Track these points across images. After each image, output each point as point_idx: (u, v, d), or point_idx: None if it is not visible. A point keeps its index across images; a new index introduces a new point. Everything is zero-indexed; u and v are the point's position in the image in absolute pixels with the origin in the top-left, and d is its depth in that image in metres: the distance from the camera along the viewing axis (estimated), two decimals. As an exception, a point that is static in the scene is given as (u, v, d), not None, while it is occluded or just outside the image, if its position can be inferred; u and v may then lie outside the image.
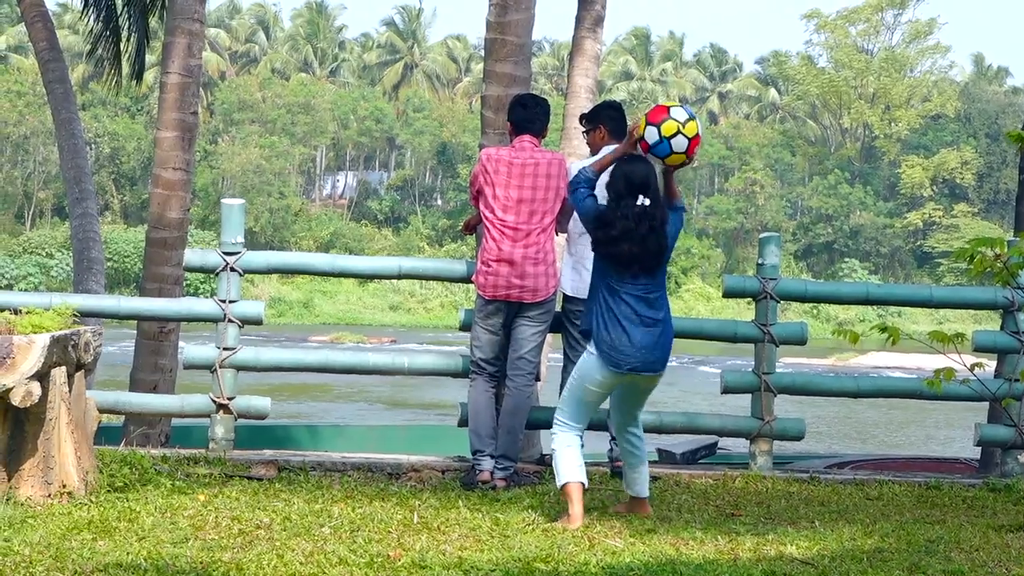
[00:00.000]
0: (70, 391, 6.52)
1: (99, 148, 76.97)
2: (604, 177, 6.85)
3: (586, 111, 8.48)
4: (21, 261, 67.45)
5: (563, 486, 6.49)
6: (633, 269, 6.48)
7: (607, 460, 8.14)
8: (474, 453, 7.63)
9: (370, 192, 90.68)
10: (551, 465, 8.02)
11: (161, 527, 5.83)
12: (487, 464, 7.52)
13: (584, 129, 8.14)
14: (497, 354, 7.71)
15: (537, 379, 7.86)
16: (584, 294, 7.71)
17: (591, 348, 6.52)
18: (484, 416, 7.66)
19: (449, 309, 71.84)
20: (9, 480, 6.29)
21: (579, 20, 12.79)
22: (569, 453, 6.56)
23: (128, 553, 5.23)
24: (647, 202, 6.51)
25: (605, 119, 8.01)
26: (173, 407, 9.02)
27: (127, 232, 70.87)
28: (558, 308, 7.91)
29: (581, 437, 6.74)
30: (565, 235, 7.97)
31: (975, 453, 10.11)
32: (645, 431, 7.76)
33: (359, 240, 79.99)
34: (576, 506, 6.39)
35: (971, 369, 7.10)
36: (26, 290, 55.86)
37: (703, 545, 5.91)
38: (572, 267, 7.85)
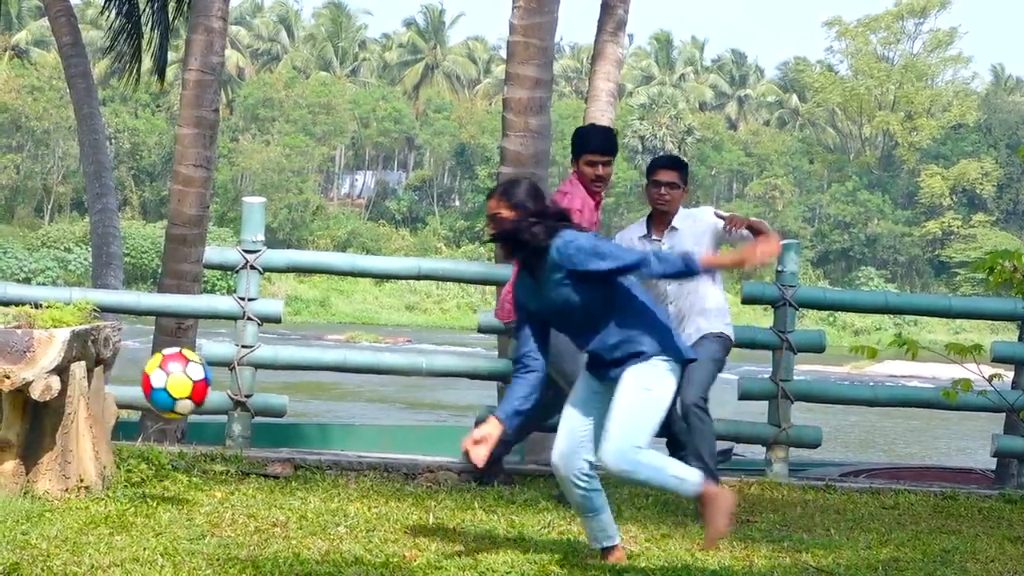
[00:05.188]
0: (89, 386, 6.54)
1: (119, 144, 77.20)
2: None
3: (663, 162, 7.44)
4: (39, 255, 67.68)
5: (702, 491, 5.35)
6: None
7: None
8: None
9: (388, 192, 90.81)
10: None
11: (178, 523, 5.85)
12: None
13: (672, 183, 7.20)
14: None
15: None
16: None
17: (664, 361, 5.39)
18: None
19: (465, 310, 71.91)
20: (27, 474, 6.31)
21: (601, 24, 12.78)
22: (672, 460, 5.48)
23: (145, 548, 5.24)
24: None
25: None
26: (190, 403, 9.02)
27: (145, 228, 71.09)
28: None
29: None
30: None
31: (991, 463, 10.08)
32: (659, 436, 7.70)
33: (376, 240, 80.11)
34: (719, 487, 5.51)
35: (989, 380, 7.08)
36: (44, 284, 56.20)
37: (718, 551, 5.90)
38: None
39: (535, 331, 5.48)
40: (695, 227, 7.13)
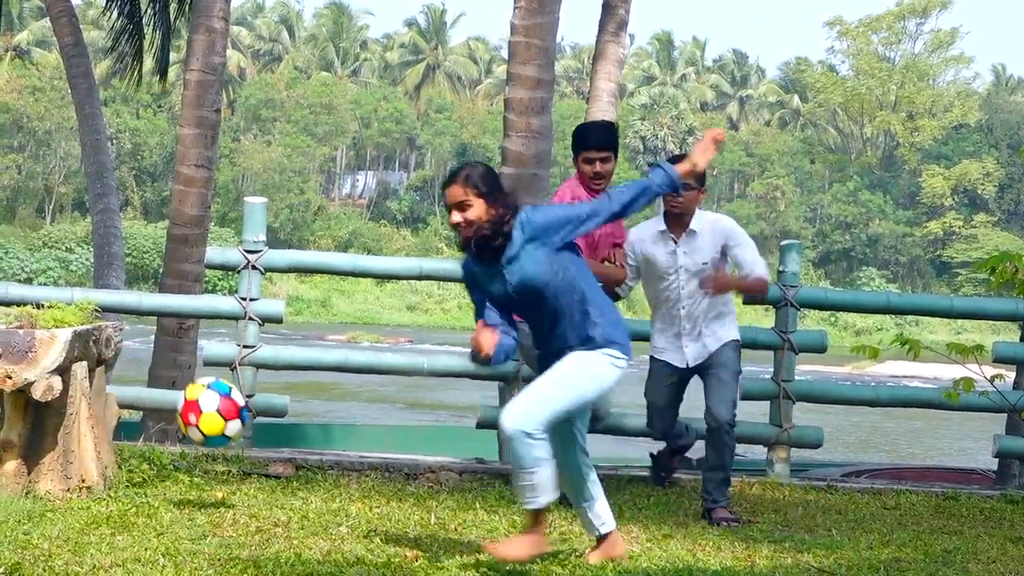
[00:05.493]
0: (91, 386, 6.55)
1: (120, 144, 77.24)
2: None
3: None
4: (41, 255, 67.72)
5: (534, 512, 5.29)
6: None
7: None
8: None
9: (389, 192, 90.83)
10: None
11: (179, 523, 5.85)
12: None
13: (685, 184, 6.72)
14: None
15: None
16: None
17: (609, 357, 5.31)
18: None
19: (467, 310, 71.53)
20: (29, 474, 6.32)
21: (602, 24, 12.79)
22: (550, 468, 5.26)
23: (146, 548, 5.25)
24: None
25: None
26: (192, 403, 9.03)
27: (147, 228, 71.15)
28: None
29: None
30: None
31: (992, 464, 10.08)
32: (658, 440, 7.64)
33: (377, 240, 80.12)
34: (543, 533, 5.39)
35: (990, 380, 7.08)
36: (45, 284, 56.21)
37: (720, 552, 5.91)
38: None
39: (499, 311, 5.34)
40: (714, 234, 6.91)
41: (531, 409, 5.15)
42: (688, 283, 6.92)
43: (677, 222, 6.94)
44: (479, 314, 5.39)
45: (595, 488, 5.54)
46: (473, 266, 5.39)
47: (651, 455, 7.67)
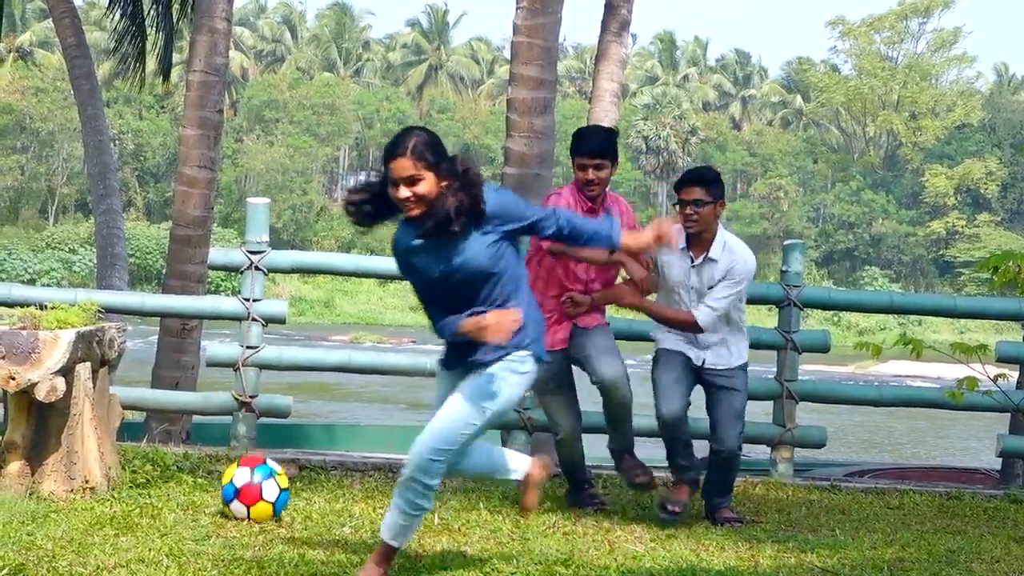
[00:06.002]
0: (94, 387, 6.55)
1: (123, 145, 77.29)
2: None
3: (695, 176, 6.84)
4: (44, 256, 67.77)
5: (390, 545, 5.05)
6: None
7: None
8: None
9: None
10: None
11: (183, 524, 5.85)
12: None
13: (698, 200, 6.68)
14: None
15: None
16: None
17: (516, 371, 5.03)
18: None
19: (469, 311, 71.70)
20: (32, 475, 6.32)
21: (605, 24, 12.78)
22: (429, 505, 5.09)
23: (150, 549, 5.25)
24: None
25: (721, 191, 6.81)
26: (195, 404, 9.06)
27: (149, 229, 71.18)
28: None
29: None
30: None
31: (996, 463, 10.08)
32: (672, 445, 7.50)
33: (380, 240, 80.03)
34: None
35: (994, 380, 7.08)
36: (48, 285, 56.24)
37: (724, 552, 5.91)
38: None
39: (445, 307, 5.11)
40: (726, 265, 6.64)
41: (436, 454, 4.89)
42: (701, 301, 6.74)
43: (697, 240, 6.69)
44: (426, 306, 5.23)
45: (504, 453, 5.47)
46: (410, 242, 5.11)
47: (661, 508, 6.84)
